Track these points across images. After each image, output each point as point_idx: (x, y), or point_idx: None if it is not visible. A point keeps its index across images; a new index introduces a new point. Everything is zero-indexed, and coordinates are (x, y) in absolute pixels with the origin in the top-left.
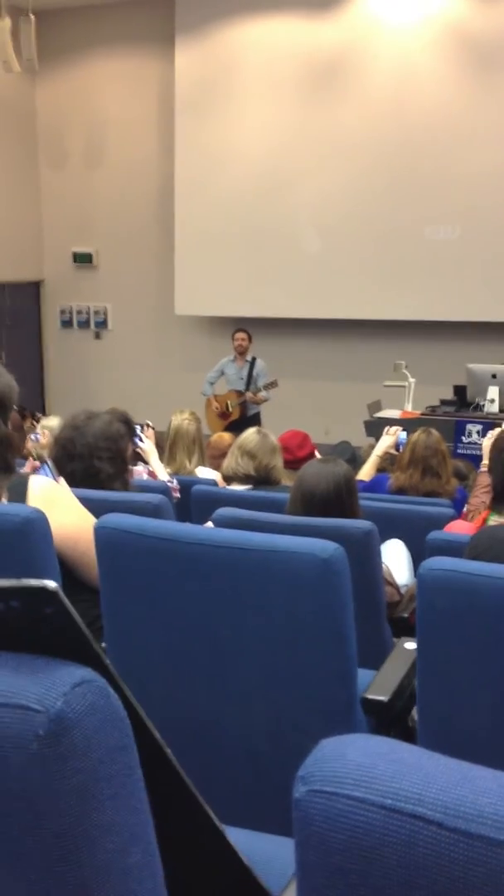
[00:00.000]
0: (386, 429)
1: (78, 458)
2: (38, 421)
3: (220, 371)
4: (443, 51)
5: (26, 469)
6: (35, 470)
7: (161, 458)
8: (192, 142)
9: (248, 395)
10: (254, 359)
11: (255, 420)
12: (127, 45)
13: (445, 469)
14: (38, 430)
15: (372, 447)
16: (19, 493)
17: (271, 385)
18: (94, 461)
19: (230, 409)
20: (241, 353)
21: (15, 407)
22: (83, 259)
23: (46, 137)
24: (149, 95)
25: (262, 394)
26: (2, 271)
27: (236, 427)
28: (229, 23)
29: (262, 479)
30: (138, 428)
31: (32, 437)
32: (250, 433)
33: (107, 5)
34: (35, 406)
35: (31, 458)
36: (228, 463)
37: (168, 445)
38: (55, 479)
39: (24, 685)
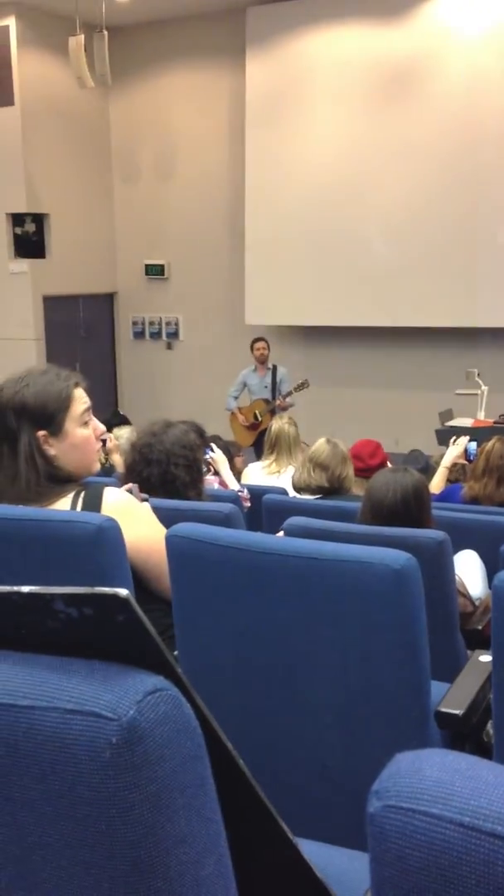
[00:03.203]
0: (452, 439)
1: (155, 463)
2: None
3: (243, 383)
4: None
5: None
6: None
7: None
8: (262, 153)
9: (279, 401)
10: (274, 366)
11: None
12: (198, 58)
13: None
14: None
15: (443, 456)
16: (93, 504)
17: (302, 386)
18: (170, 467)
19: (260, 419)
20: (263, 361)
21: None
22: (155, 271)
23: (120, 151)
24: (220, 108)
25: (290, 398)
26: (77, 284)
27: None
28: (299, 34)
29: (335, 489)
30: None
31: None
32: (320, 444)
33: (178, 19)
34: (107, 416)
35: (129, 484)
36: (300, 475)
37: (269, 446)
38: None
39: (96, 692)
